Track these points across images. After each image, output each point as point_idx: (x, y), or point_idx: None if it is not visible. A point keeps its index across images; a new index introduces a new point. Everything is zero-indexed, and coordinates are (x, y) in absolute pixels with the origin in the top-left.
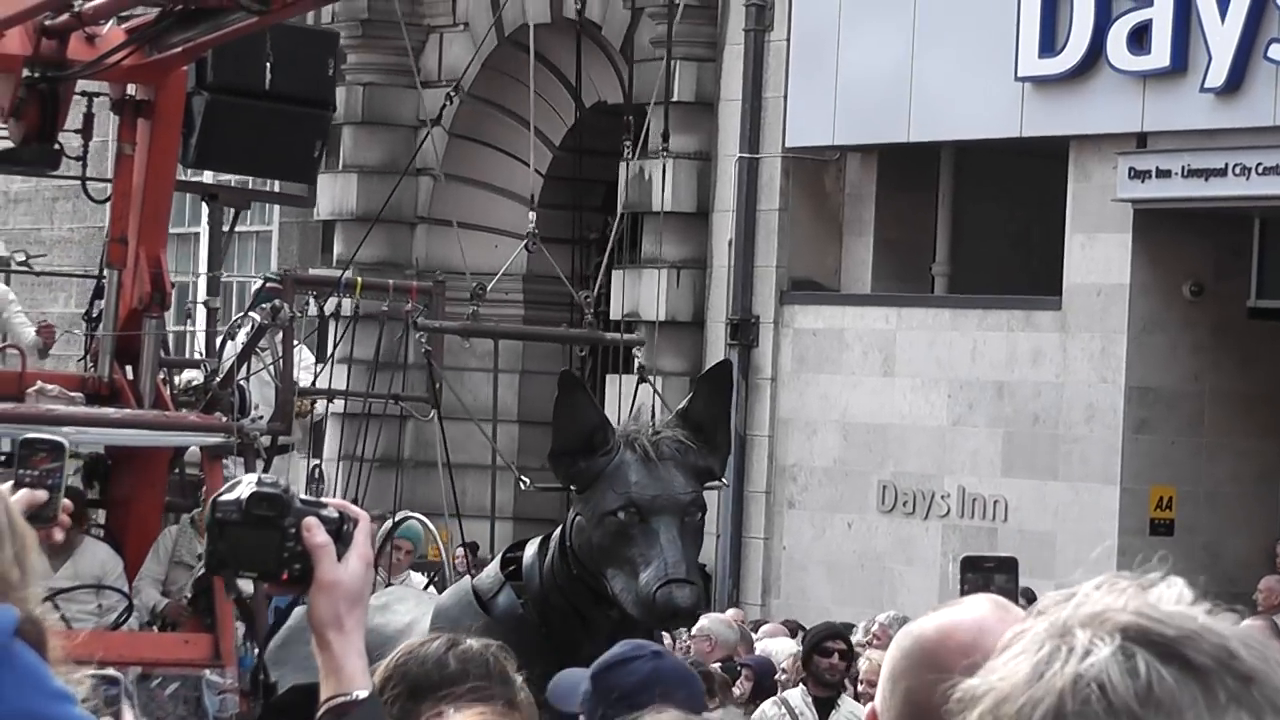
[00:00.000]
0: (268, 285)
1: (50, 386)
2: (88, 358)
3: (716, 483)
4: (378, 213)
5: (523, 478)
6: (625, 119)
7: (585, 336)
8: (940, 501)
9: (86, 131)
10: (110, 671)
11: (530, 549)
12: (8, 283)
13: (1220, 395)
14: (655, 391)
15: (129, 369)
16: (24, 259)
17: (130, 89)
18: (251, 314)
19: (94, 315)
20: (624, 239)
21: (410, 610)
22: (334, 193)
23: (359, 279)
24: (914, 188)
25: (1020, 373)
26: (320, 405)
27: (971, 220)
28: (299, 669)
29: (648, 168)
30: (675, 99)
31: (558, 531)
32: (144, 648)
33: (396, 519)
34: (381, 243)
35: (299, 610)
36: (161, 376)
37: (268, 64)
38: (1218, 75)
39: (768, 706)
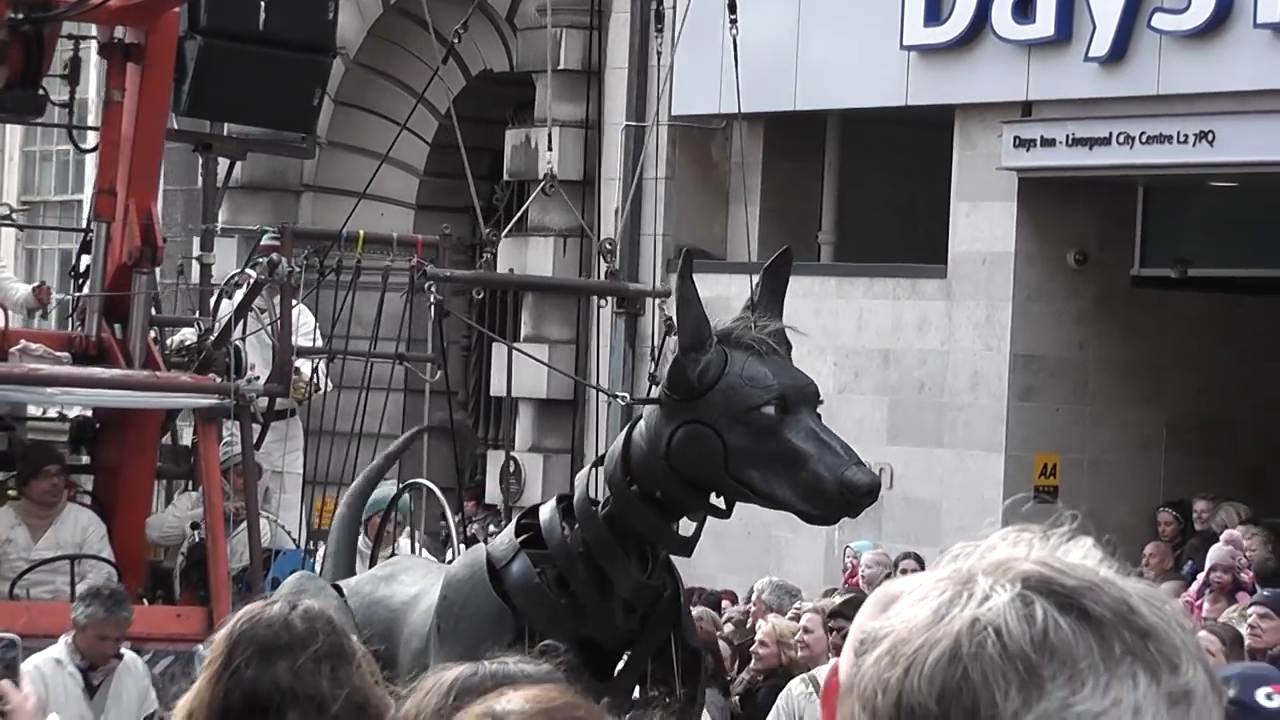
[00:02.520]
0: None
1: (35, 345)
2: (74, 315)
3: None
4: (263, 181)
5: (618, 394)
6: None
7: (608, 287)
8: None
9: (73, 77)
10: (7, 635)
11: (547, 509)
12: None
13: (1104, 363)
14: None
15: (118, 327)
16: (8, 213)
17: (119, 32)
18: (248, 270)
19: (81, 271)
20: (510, 207)
21: (417, 580)
22: (223, 161)
23: (361, 232)
24: (800, 157)
25: (906, 341)
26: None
27: (857, 189)
28: None
29: (533, 136)
30: (561, 67)
31: (588, 471)
32: (135, 622)
33: (400, 487)
34: (266, 210)
35: (292, 578)
36: (153, 335)
37: (262, 4)
38: (1102, 44)
39: (795, 684)
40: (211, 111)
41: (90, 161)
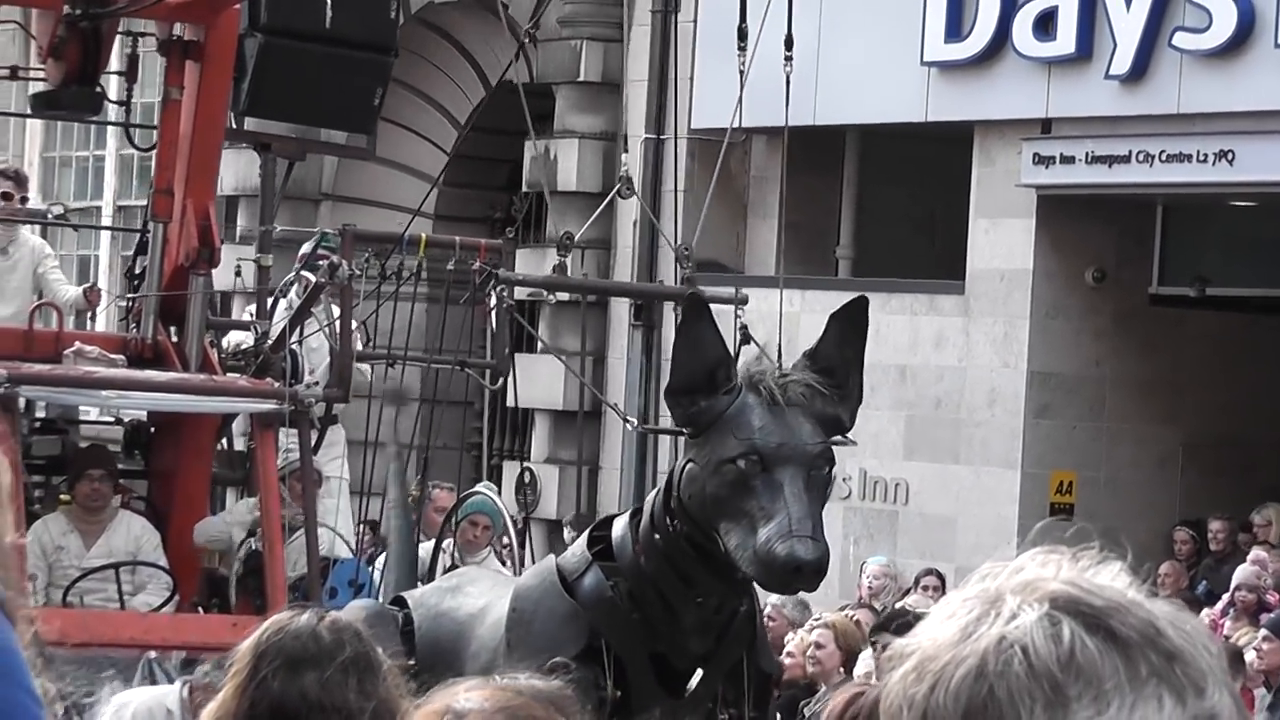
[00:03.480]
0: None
1: (89, 348)
2: (130, 317)
3: (844, 438)
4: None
5: (629, 418)
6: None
7: (677, 293)
8: (842, 484)
9: (131, 74)
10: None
11: (620, 524)
12: (45, 236)
13: (1121, 381)
14: (761, 352)
15: (174, 330)
16: (61, 212)
17: (178, 28)
18: (306, 273)
19: (137, 272)
20: (528, 218)
21: (484, 593)
22: (238, 168)
23: (423, 235)
24: (819, 171)
25: (923, 356)
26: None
27: (876, 204)
28: None
29: (552, 147)
30: (581, 79)
31: (654, 495)
32: (189, 631)
33: (465, 492)
34: (285, 219)
35: (355, 604)
36: (209, 338)
37: (328, 2)
38: (1122, 62)
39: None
40: (270, 111)
41: (109, 167)
